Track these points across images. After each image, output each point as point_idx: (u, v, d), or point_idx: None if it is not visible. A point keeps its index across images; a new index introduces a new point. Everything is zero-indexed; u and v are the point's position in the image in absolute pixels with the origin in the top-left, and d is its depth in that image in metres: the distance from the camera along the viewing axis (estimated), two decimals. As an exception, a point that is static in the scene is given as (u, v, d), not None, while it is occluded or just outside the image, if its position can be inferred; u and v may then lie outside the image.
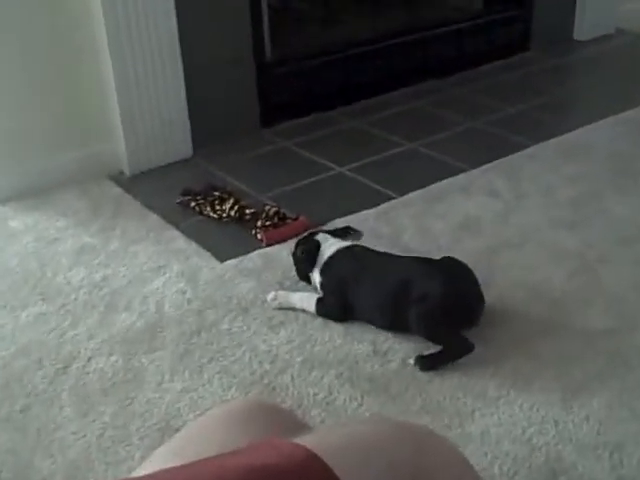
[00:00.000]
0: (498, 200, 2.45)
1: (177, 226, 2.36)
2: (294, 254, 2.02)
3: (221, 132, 2.85)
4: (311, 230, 2.11)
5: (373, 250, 1.95)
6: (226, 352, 1.81)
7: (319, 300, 1.92)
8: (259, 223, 2.28)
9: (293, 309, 1.94)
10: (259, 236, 2.25)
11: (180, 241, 2.27)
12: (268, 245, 2.22)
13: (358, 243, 2.01)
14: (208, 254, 2.20)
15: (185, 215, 2.41)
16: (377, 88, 3.29)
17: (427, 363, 1.72)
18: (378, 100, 3.26)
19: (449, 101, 3.26)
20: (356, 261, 1.91)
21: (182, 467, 0.86)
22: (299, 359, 1.78)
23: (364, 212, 2.39)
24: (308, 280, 2.00)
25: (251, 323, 1.91)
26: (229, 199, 2.38)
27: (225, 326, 1.90)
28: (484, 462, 1.48)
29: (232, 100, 2.88)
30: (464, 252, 2.14)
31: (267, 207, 2.33)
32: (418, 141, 2.88)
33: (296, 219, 2.30)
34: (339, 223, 2.32)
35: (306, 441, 0.89)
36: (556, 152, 2.76)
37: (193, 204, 2.42)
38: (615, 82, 3.39)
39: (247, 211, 2.35)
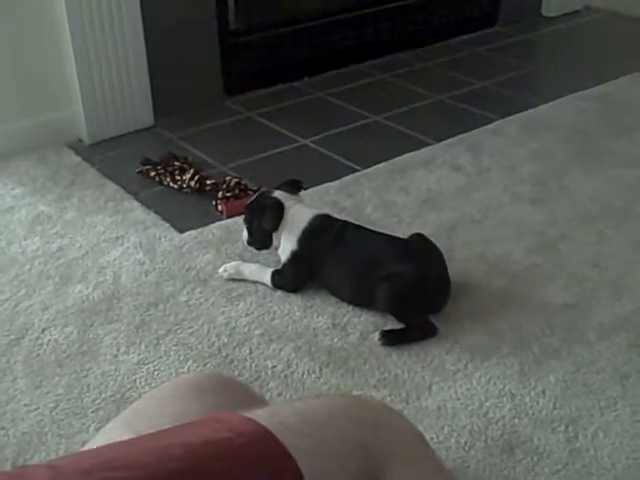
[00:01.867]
0: (461, 174, 2.44)
1: (136, 196, 2.32)
2: (251, 213, 1.91)
3: (184, 101, 2.80)
4: (263, 190, 2.01)
5: (349, 222, 1.91)
6: (184, 324, 1.79)
7: (276, 272, 1.89)
8: (220, 194, 2.24)
9: (255, 282, 1.92)
10: (219, 207, 2.22)
11: (139, 211, 2.24)
12: (228, 217, 2.20)
13: (329, 213, 1.94)
14: (167, 225, 2.17)
15: (145, 185, 2.38)
16: (343, 60, 3.26)
17: (392, 339, 1.71)
18: (344, 72, 3.23)
19: (416, 74, 3.23)
20: (333, 233, 1.85)
21: (129, 443, 0.85)
22: (258, 332, 1.76)
23: (326, 184, 2.37)
24: (264, 243, 1.92)
25: (210, 295, 1.89)
26: (190, 169, 2.34)
27: (183, 298, 1.87)
28: (441, 435, 1.48)
29: (195, 69, 2.83)
30: (426, 226, 2.14)
31: (228, 178, 2.29)
32: (383, 114, 2.86)
33: (257, 190, 2.26)
34: (302, 196, 2.29)
35: (257, 415, 0.88)
36: (521, 127, 2.75)
37: (153, 174, 2.38)
38: (582, 59, 3.39)
39: (208, 182, 2.31)
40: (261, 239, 1.92)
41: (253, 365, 1.67)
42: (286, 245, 1.88)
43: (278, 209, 1.86)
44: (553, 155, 2.54)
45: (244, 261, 1.98)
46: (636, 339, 1.71)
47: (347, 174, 2.43)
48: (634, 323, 1.77)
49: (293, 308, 1.84)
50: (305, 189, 2.00)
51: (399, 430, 0.97)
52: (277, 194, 1.90)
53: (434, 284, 1.78)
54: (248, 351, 1.71)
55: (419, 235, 1.88)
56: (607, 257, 2.02)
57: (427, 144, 2.64)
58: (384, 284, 1.73)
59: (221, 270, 1.94)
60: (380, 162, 2.50)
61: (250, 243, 1.95)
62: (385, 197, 2.31)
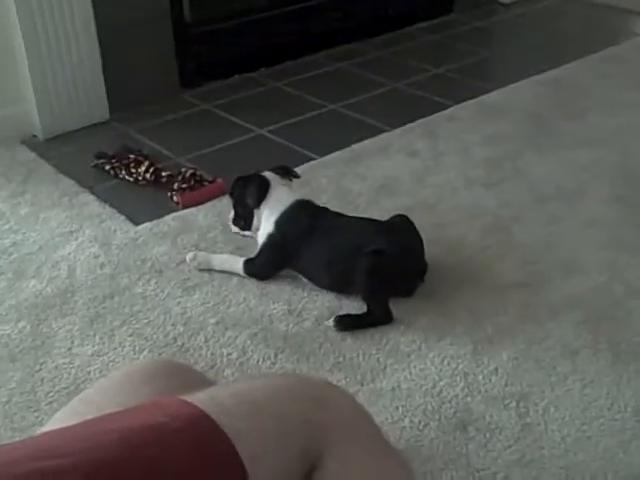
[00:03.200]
0: (417, 160, 2.45)
1: (91, 190, 2.31)
2: (238, 188, 1.90)
3: (139, 94, 2.78)
4: (255, 171, 1.95)
5: (329, 209, 1.90)
6: (139, 315, 1.78)
7: (249, 260, 1.88)
8: (175, 186, 2.24)
9: (210, 271, 1.92)
10: (175, 199, 2.21)
11: (94, 205, 2.22)
12: (184, 208, 2.19)
13: (311, 199, 1.92)
14: (122, 217, 2.16)
15: (100, 179, 2.36)
16: (299, 50, 3.26)
17: (347, 324, 1.72)
18: (300, 62, 3.23)
19: (372, 63, 3.24)
20: (311, 218, 1.84)
21: (65, 430, 0.84)
22: (213, 320, 1.77)
23: (283, 173, 2.37)
24: (247, 222, 1.90)
25: (165, 286, 1.88)
26: (145, 162, 2.33)
27: (138, 290, 1.87)
28: (395, 416, 1.50)
29: (150, 62, 2.81)
30: (382, 212, 2.14)
31: (183, 169, 2.29)
32: (339, 102, 2.87)
33: (213, 181, 2.27)
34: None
35: (197, 398, 0.88)
36: (476, 113, 2.77)
37: (108, 167, 2.37)
38: (536, 44, 3.41)
39: (163, 174, 2.31)
40: (244, 216, 1.91)
41: (209, 353, 1.67)
42: (265, 226, 1.86)
43: (263, 185, 1.86)
44: (507, 139, 2.57)
45: (200, 251, 1.98)
46: (586, 316, 1.74)
47: (303, 163, 2.43)
48: (584, 301, 1.79)
49: (249, 296, 1.84)
50: (297, 177, 1.99)
51: (343, 408, 0.98)
52: (266, 173, 1.91)
53: (413, 265, 1.79)
54: (204, 340, 1.71)
55: (401, 216, 1.88)
56: (559, 238, 2.05)
57: (383, 131, 2.65)
58: (365, 258, 1.70)
59: (189, 257, 1.93)
60: (336, 150, 2.51)
61: (235, 222, 1.94)
62: (341, 184, 2.32)
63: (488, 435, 1.45)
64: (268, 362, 1.64)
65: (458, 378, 1.58)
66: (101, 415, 0.86)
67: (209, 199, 2.21)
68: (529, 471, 1.38)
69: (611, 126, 2.60)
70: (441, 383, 1.57)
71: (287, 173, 1.96)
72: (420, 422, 1.48)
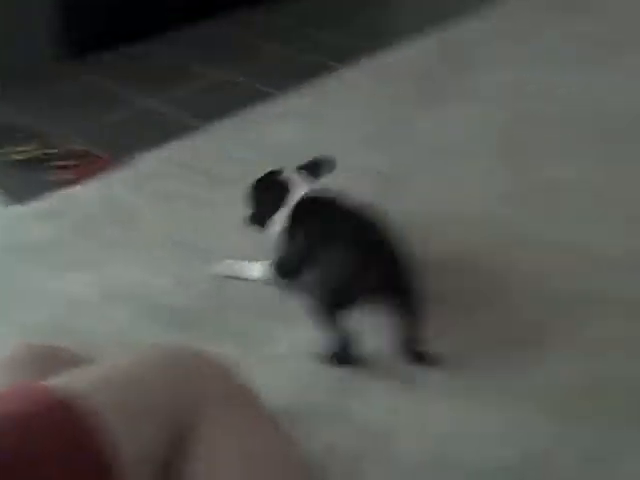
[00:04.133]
0: (308, 124, 2.44)
1: (-30, 170, 2.22)
2: (256, 193, 1.77)
3: (21, 69, 2.69)
4: (276, 169, 1.80)
5: (339, 204, 1.69)
6: (19, 298, 1.73)
7: (273, 261, 1.70)
8: (59, 163, 2.18)
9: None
10: (59, 176, 2.15)
11: (-28, 185, 2.14)
12: (71, 185, 2.13)
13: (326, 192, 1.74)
14: (4, 197, 2.09)
15: (-21, 159, 2.28)
16: (188, 18, 3.19)
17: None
18: (188, 31, 3.17)
19: (260, 28, 3.22)
20: (316, 215, 1.67)
21: None
22: (96, 299, 1.72)
23: (171, 144, 2.33)
24: (263, 221, 1.75)
25: (44, 266, 1.83)
26: (31, 140, 2.26)
27: (19, 270, 1.81)
28: (282, 379, 1.49)
29: (30, 35, 2.72)
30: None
31: (67, 146, 2.22)
32: (231, 70, 2.83)
33: (98, 157, 2.21)
34: (145, 158, 2.26)
35: (57, 383, 0.86)
36: (366, 74, 2.78)
37: (-10, 147, 2.29)
38: (424, 3, 3.43)
39: (48, 151, 2.25)
40: (262, 217, 1.75)
41: (93, 333, 1.63)
42: (276, 226, 1.72)
43: (282, 191, 1.71)
44: (397, 98, 2.58)
45: (83, 229, 1.92)
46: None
47: (192, 132, 2.40)
48: (474, 251, 1.82)
49: (133, 271, 1.80)
50: (325, 165, 1.83)
51: (214, 376, 0.97)
52: (285, 175, 1.76)
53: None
54: (87, 318, 1.67)
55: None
56: (448, 192, 2.07)
57: (274, 96, 2.62)
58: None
59: (217, 269, 1.78)
60: (226, 117, 2.48)
61: (251, 222, 1.78)
62: (231, 152, 2.30)
63: (369, 391, 1.46)
64: (154, 336, 1.61)
65: (344, 339, 1.58)
66: None
67: (95, 175, 2.15)
68: (408, 421, 1.39)
69: (495, 81, 2.64)
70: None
71: (316, 169, 1.80)
72: (306, 384, 1.49)
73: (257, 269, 1.74)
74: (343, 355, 1.51)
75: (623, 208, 1.98)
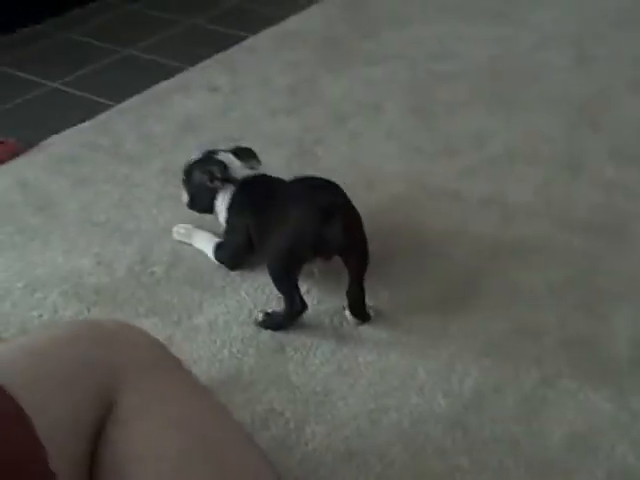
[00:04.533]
0: (218, 95, 2.43)
1: None
2: (190, 176, 1.73)
3: None
4: (209, 149, 1.76)
5: (278, 179, 1.70)
6: (-63, 291, 1.69)
7: (218, 245, 1.71)
8: (-35, 151, 2.11)
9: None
10: (-34, 165, 2.09)
11: None
12: (-24, 173, 2.08)
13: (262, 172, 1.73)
14: None
15: None
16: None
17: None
18: (88, 8, 3.09)
19: (164, 1, 3.16)
20: (263, 194, 1.65)
21: None
22: (19, 285, 1.69)
23: (80, 125, 2.29)
24: (205, 206, 1.74)
25: (-37, 257, 1.79)
26: None
27: None
28: (214, 349, 1.51)
29: None
30: (185, 151, 2.11)
31: (-29, 133, 2.16)
32: (133, 46, 2.78)
33: (4, 142, 2.15)
34: (55, 140, 2.21)
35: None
36: (273, 41, 2.77)
37: None
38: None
39: (-50, 141, 2.17)
40: (202, 201, 1.73)
41: (18, 318, 1.61)
42: (220, 209, 1.71)
43: (221, 170, 1.68)
44: (305, 64, 2.59)
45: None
46: (391, 221, 1.81)
47: (101, 112, 2.36)
48: (389, 208, 1.86)
49: (55, 254, 1.78)
50: (254, 157, 1.76)
51: (134, 345, 0.97)
52: (222, 156, 1.72)
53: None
54: (10, 305, 1.64)
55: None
56: (361, 153, 2.10)
57: (183, 70, 2.60)
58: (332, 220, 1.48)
59: (175, 228, 1.80)
60: (134, 95, 2.44)
61: (191, 206, 1.77)
62: (143, 129, 2.27)
63: (305, 352, 1.49)
64: (81, 317, 1.60)
65: (274, 303, 1.60)
66: None
67: (2, 162, 2.10)
68: (346, 379, 1.43)
69: (400, 40, 2.68)
70: (256, 311, 1.59)
71: (247, 157, 1.74)
72: (239, 351, 1.50)
73: (209, 249, 1.73)
74: (291, 317, 1.53)
75: (525, 157, 2.05)
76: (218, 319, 1.58)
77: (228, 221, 1.70)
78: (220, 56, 2.68)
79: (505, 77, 2.43)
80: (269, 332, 1.54)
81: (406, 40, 2.68)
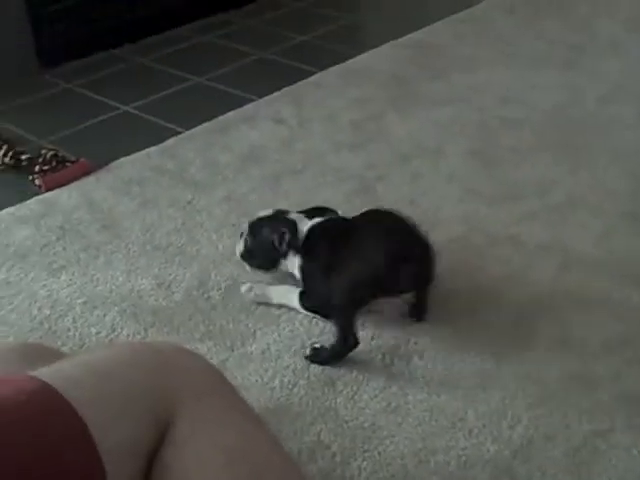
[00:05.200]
0: (283, 127, 2.47)
1: (-52, 178, 2.22)
2: (256, 231, 1.70)
3: (-5, 78, 2.69)
4: (279, 209, 1.74)
5: (347, 219, 1.71)
6: (2, 301, 1.74)
7: (302, 293, 1.67)
8: (37, 168, 2.18)
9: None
10: (37, 182, 2.16)
11: (-49, 193, 2.15)
12: (47, 190, 2.14)
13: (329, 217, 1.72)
14: (-18, 204, 2.10)
15: (-44, 166, 2.28)
16: (162, 24, 3.21)
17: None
18: (164, 36, 3.19)
19: (236, 33, 3.23)
20: (335, 237, 1.64)
21: None
22: (80, 301, 1.74)
23: (148, 149, 2.35)
24: (269, 268, 1.72)
25: (30, 270, 1.84)
26: (3, 146, 2.26)
27: (1, 276, 1.82)
28: (265, 377, 1.52)
29: (5, 41, 2.71)
30: (249, 180, 2.18)
31: (44, 151, 2.23)
32: (205, 75, 2.85)
33: (76, 161, 2.22)
34: (124, 163, 2.28)
35: (43, 372, 0.88)
36: (340, 78, 2.81)
37: (-36, 154, 2.28)
38: (398, 8, 3.48)
39: (23, 157, 2.25)
40: (264, 259, 1.72)
41: (77, 334, 1.65)
42: (291, 262, 1.68)
43: (292, 229, 1.66)
44: (371, 102, 2.61)
45: (69, 235, 1.94)
46: (449, 265, 1.80)
47: (169, 137, 2.42)
48: (447, 251, 1.86)
49: (116, 273, 1.82)
50: (330, 213, 1.74)
51: (191, 370, 0.99)
52: (293, 215, 1.70)
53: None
54: (71, 321, 1.69)
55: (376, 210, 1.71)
56: (421, 194, 2.11)
57: (250, 101, 2.65)
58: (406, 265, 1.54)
59: (245, 289, 1.72)
60: (202, 122, 2.50)
61: (248, 260, 1.74)
62: (208, 156, 2.32)
63: (355, 387, 1.49)
64: (138, 337, 1.63)
65: (326, 336, 1.61)
66: None
67: (72, 180, 2.17)
68: (395, 417, 1.43)
69: (468, 84, 2.69)
70: (309, 342, 1.60)
71: (323, 215, 1.72)
72: (290, 381, 1.51)
73: (294, 301, 1.68)
74: (341, 353, 1.54)
75: (588, 207, 2.03)
76: (271, 348, 1.60)
77: (304, 269, 1.66)
78: (287, 89, 2.73)
79: (571, 126, 2.42)
80: (320, 365, 1.55)
81: (474, 84, 2.69)
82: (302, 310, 1.67)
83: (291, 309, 1.68)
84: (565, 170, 2.19)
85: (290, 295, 1.69)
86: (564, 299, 1.71)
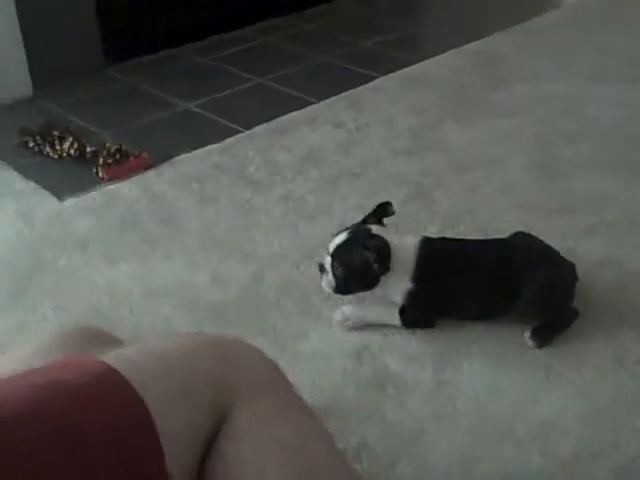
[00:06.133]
0: (342, 131, 2.49)
1: (15, 167, 2.29)
2: (344, 257, 1.59)
3: (63, 70, 2.75)
4: (348, 227, 1.65)
5: (448, 238, 1.76)
6: (62, 289, 1.79)
7: (402, 310, 1.65)
8: (100, 161, 2.24)
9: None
10: (100, 174, 2.21)
11: (17, 181, 2.21)
12: (109, 182, 2.19)
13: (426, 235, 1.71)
14: (47, 193, 2.15)
15: (24, 155, 2.34)
16: (226, 24, 3.26)
17: (544, 339, 1.62)
18: (227, 36, 3.24)
19: (299, 36, 3.27)
20: (443, 256, 1.66)
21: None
22: (138, 292, 1.78)
23: (209, 147, 2.39)
24: (373, 286, 1.63)
25: (90, 259, 1.89)
26: (69, 138, 2.32)
27: (62, 263, 1.87)
28: (316, 378, 1.53)
29: (74, 36, 2.78)
30: (307, 182, 2.20)
31: (108, 144, 2.29)
32: (267, 76, 2.89)
33: (138, 155, 2.27)
34: (185, 159, 2.32)
35: (108, 356, 0.90)
36: (400, 84, 2.82)
37: (32, 144, 2.35)
38: (460, 17, 3.48)
39: (88, 149, 2.31)
40: (364, 281, 1.62)
41: (133, 323, 1.69)
42: (398, 286, 1.62)
43: (387, 249, 1.58)
44: (430, 109, 2.62)
45: (134, 228, 1.98)
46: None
47: (230, 136, 2.45)
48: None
49: (174, 266, 1.86)
50: (392, 214, 1.70)
51: (252, 364, 1.01)
52: (376, 230, 1.63)
53: (569, 278, 1.69)
54: (128, 310, 1.73)
55: (522, 233, 1.78)
56: (478, 203, 2.11)
57: (310, 103, 2.68)
58: (530, 291, 1.60)
59: (339, 317, 1.67)
60: (263, 122, 2.53)
61: (343, 290, 1.65)
62: (268, 156, 2.35)
63: (405, 392, 1.50)
64: (193, 330, 1.67)
65: (378, 338, 1.62)
66: (13, 374, 0.88)
67: (134, 173, 2.22)
68: (442, 424, 1.43)
69: (530, 96, 2.68)
70: (361, 345, 1.61)
71: (381, 216, 1.69)
72: (339, 383, 1.53)
73: (394, 317, 1.66)
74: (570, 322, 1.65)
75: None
76: (323, 349, 1.61)
77: (411, 290, 1.62)
78: (348, 93, 2.75)
79: (632, 141, 2.39)
80: (371, 368, 1.56)
81: (536, 96, 2.67)
82: (405, 326, 1.65)
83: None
84: (624, 185, 2.17)
85: (390, 311, 1.65)
86: (618, 316, 1.70)
